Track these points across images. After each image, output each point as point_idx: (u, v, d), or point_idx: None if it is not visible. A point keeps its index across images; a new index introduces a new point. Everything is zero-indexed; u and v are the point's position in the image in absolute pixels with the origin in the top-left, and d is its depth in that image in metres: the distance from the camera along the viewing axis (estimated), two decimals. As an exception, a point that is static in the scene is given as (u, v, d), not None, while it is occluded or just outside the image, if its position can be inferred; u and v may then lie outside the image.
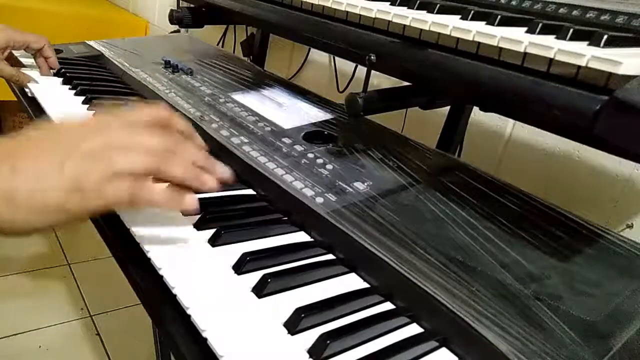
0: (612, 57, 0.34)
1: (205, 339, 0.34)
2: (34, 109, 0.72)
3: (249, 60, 1.20)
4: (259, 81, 0.87)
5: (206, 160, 0.43)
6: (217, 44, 1.54)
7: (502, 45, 0.41)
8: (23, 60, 0.87)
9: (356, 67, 1.11)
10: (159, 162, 0.39)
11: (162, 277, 0.40)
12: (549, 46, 0.37)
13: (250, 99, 0.77)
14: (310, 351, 0.35)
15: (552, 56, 0.37)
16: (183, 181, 0.40)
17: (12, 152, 0.37)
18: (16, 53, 0.85)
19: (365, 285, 0.43)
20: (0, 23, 0.79)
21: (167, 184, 0.40)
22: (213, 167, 0.43)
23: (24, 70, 0.82)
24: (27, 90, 0.77)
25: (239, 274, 0.42)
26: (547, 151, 0.82)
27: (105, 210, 0.38)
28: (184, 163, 0.40)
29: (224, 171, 0.44)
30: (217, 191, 0.45)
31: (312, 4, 0.62)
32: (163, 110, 0.43)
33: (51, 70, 0.84)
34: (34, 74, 0.82)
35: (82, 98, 0.75)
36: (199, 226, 0.47)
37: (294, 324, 0.36)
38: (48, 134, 0.40)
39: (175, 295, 0.38)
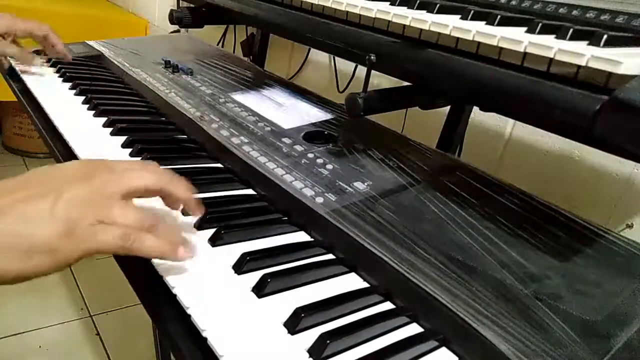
0: (612, 56, 0.34)
1: (205, 339, 0.34)
2: (34, 109, 0.72)
3: (249, 60, 1.20)
4: (259, 81, 0.87)
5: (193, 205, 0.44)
6: (217, 44, 1.54)
7: (502, 45, 0.40)
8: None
9: (356, 67, 1.11)
10: (151, 223, 0.39)
11: (162, 277, 0.40)
12: (548, 46, 0.37)
13: (250, 99, 0.77)
14: (310, 351, 0.35)
15: (552, 56, 0.37)
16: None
17: None
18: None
19: (365, 285, 0.43)
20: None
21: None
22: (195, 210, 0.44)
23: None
24: (23, 77, 0.78)
25: (239, 273, 0.42)
26: (547, 151, 0.82)
27: (91, 255, 0.37)
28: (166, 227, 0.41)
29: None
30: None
31: (312, 4, 0.62)
32: (158, 175, 0.42)
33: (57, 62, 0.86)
34: (38, 71, 0.83)
35: (83, 98, 0.75)
36: (199, 226, 0.47)
37: (294, 323, 0.36)
38: (37, 177, 0.38)
39: (175, 295, 0.38)
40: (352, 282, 0.44)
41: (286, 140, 0.63)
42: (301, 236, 0.49)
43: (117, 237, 0.36)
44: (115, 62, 0.92)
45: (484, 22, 0.45)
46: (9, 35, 0.80)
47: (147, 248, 0.38)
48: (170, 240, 0.40)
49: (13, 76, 0.82)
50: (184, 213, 0.47)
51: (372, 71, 0.54)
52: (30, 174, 0.39)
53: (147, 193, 0.41)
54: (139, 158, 0.58)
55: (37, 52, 0.90)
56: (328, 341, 0.35)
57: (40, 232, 0.34)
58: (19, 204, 0.35)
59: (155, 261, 0.41)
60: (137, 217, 0.38)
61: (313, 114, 0.73)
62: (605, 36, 0.37)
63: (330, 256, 0.47)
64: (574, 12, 0.46)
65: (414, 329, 0.39)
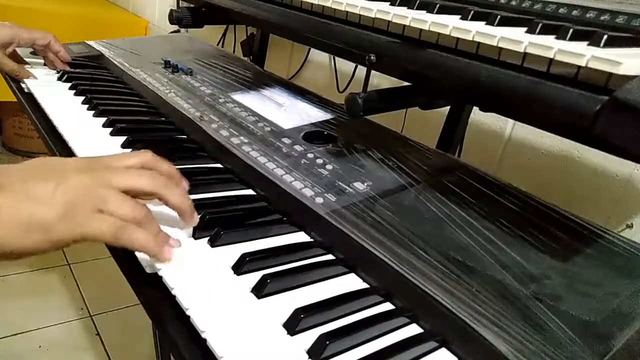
0: (612, 57, 0.34)
1: (205, 340, 0.34)
2: (34, 110, 0.72)
3: (249, 60, 1.20)
4: (259, 81, 0.87)
5: (186, 207, 0.45)
6: (217, 44, 1.54)
7: (502, 45, 0.40)
8: (30, 60, 0.88)
9: (356, 67, 1.11)
10: (143, 216, 0.40)
11: (161, 277, 0.40)
12: (548, 46, 0.37)
13: (250, 99, 0.77)
14: (310, 351, 0.35)
15: (552, 56, 0.37)
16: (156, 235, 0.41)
17: (1, 176, 0.38)
18: (25, 50, 0.86)
19: (365, 285, 0.43)
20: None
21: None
22: (189, 216, 0.45)
23: (27, 68, 0.82)
24: (23, 85, 0.78)
25: (238, 274, 0.41)
26: (547, 151, 0.82)
27: (84, 241, 0.38)
28: (157, 228, 0.42)
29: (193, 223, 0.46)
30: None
31: (312, 4, 0.62)
32: (146, 155, 0.45)
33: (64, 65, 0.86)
34: (38, 71, 0.83)
35: (82, 98, 0.75)
36: (198, 226, 0.47)
37: (294, 324, 0.36)
38: (40, 164, 0.40)
39: (174, 296, 0.38)
40: (351, 282, 0.44)
41: (286, 140, 0.63)
42: (301, 237, 0.49)
43: (110, 226, 0.38)
44: (115, 62, 0.92)
45: (484, 23, 0.45)
46: (11, 45, 0.80)
47: (135, 241, 0.39)
48: (160, 238, 0.41)
49: (13, 77, 0.82)
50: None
51: (372, 71, 0.54)
52: (35, 161, 0.41)
53: (144, 194, 0.42)
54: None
55: (34, 54, 0.90)
56: (327, 342, 0.35)
57: (40, 211, 0.36)
58: (23, 183, 0.37)
59: (157, 264, 0.41)
60: (131, 208, 0.39)
61: (313, 114, 0.73)
62: (605, 36, 0.37)
63: (329, 257, 0.46)
64: (574, 13, 0.46)
65: (413, 329, 0.39)
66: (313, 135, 0.65)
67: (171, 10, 0.99)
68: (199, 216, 0.47)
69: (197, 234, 0.46)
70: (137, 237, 0.39)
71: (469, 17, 0.46)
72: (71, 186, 0.38)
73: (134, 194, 0.41)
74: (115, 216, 0.39)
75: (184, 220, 0.45)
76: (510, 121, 0.86)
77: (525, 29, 0.42)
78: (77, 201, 0.38)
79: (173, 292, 0.38)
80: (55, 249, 0.38)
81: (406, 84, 0.59)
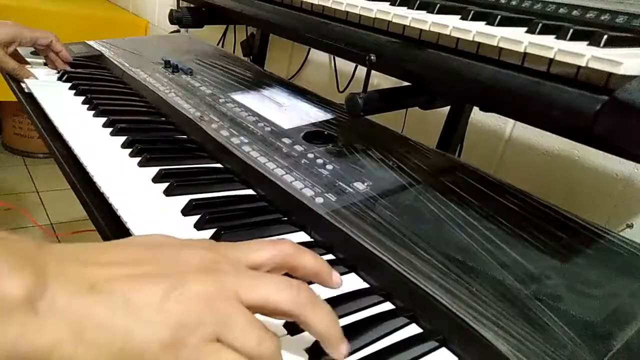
0: (612, 57, 0.34)
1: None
2: (34, 110, 0.72)
3: (249, 60, 1.20)
4: (259, 81, 0.87)
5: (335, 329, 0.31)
6: (217, 44, 1.54)
7: (502, 45, 0.40)
8: (31, 59, 0.88)
9: (356, 67, 1.11)
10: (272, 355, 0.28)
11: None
12: (548, 46, 0.37)
13: (250, 99, 0.77)
14: (310, 351, 0.35)
15: (552, 56, 0.37)
16: None
17: (96, 263, 0.27)
18: (26, 50, 0.86)
19: (365, 285, 0.43)
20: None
21: None
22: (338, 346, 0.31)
23: (28, 67, 0.83)
24: (23, 85, 0.78)
25: (238, 274, 0.41)
26: (547, 151, 0.82)
27: None
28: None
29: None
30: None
31: (312, 4, 0.62)
32: (287, 247, 0.33)
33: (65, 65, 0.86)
34: (38, 71, 0.83)
35: (82, 98, 0.75)
36: (199, 226, 0.47)
37: (293, 323, 0.36)
38: (150, 247, 0.29)
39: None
40: (351, 282, 0.44)
41: (286, 140, 0.63)
42: (301, 236, 0.49)
43: None
44: (115, 62, 0.92)
45: (484, 23, 0.45)
46: (13, 45, 0.80)
47: None
48: None
49: (13, 76, 0.82)
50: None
51: (372, 71, 0.54)
52: (141, 242, 0.30)
53: (275, 312, 0.29)
54: (140, 158, 0.58)
55: (35, 54, 0.90)
56: (328, 341, 0.35)
57: (141, 332, 0.25)
58: (125, 284, 0.26)
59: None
60: (258, 340, 0.27)
61: (313, 114, 0.73)
62: (605, 36, 0.37)
63: (330, 256, 0.47)
64: (574, 13, 0.46)
65: (413, 329, 0.39)
66: (313, 135, 0.65)
67: (171, 10, 0.99)
68: (199, 216, 0.47)
69: (202, 227, 0.46)
70: None
71: (469, 17, 0.46)
72: (192, 296, 0.26)
73: (265, 312, 0.29)
74: (237, 351, 0.26)
75: (327, 349, 0.31)
76: (510, 121, 0.86)
77: (525, 29, 0.42)
78: (192, 322, 0.26)
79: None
80: None
81: (406, 84, 0.59)
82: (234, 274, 0.29)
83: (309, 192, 0.51)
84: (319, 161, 0.58)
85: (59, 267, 0.25)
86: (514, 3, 0.51)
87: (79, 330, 0.24)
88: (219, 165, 0.61)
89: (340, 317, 0.39)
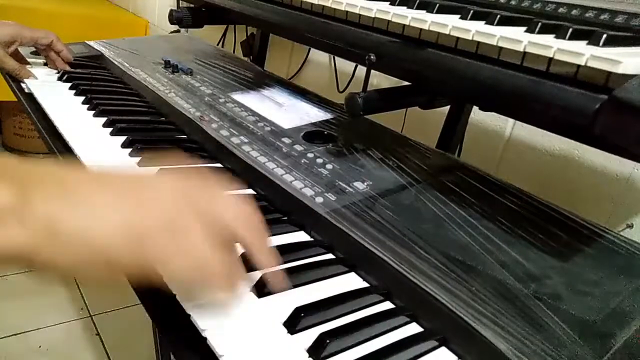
0: (611, 56, 0.34)
1: (205, 339, 0.34)
2: (34, 110, 0.72)
3: (249, 60, 1.20)
4: (259, 81, 0.87)
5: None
6: (217, 44, 1.54)
7: (501, 44, 0.40)
8: (31, 59, 0.88)
9: (356, 67, 1.11)
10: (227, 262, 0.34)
11: (161, 276, 0.40)
12: (548, 45, 0.37)
13: (250, 99, 0.77)
14: (310, 350, 0.35)
15: (551, 55, 0.37)
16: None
17: (77, 183, 0.31)
18: (27, 50, 0.86)
19: (365, 284, 0.43)
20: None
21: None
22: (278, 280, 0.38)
23: (28, 67, 0.83)
24: (23, 85, 0.78)
25: (238, 273, 0.41)
26: (547, 151, 0.82)
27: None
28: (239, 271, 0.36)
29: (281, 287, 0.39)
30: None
31: (312, 4, 0.62)
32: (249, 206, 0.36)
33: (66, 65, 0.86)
34: (38, 71, 0.83)
35: (83, 98, 0.75)
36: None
37: (294, 323, 0.36)
38: (128, 177, 0.34)
39: (174, 295, 0.38)
40: (351, 281, 0.44)
41: (286, 140, 0.63)
42: (301, 236, 0.49)
43: (188, 268, 0.31)
44: (115, 62, 0.92)
45: (484, 22, 0.45)
46: (13, 44, 0.80)
47: (213, 285, 0.34)
48: (232, 280, 0.35)
49: (13, 76, 0.82)
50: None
51: (372, 71, 0.54)
52: (122, 173, 0.35)
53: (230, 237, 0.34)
54: (139, 158, 0.58)
55: (35, 54, 0.90)
56: (328, 341, 0.35)
57: (107, 228, 0.29)
58: (95, 195, 0.30)
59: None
60: (222, 257, 0.33)
61: (313, 114, 0.73)
62: (604, 36, 0.37)
63: (330, 256, 0.47)
64: (573, 12, 0.46)
65: (413, 328, 0.39)
66: (313, 135, 0.65)
67: (171, 10, 0.99)
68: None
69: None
70: (217, 287, 0.34)
71: (469, 16, 0.46)
72: (154, 208, 0.31)
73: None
74: (197, 258, 0.32)
75: (272, 286, 0.38)
76: (510, 121, 0.86)
77: (524, 28, 0.42)
78: (153, 225, 0.31)
79: (173, 291, 0.38)
80: (108, 280, 0.31)
81: (406, 83, 0.59)
82: (206, 192, 0.34)
83: (308, 192, 0.51)
84: (319, 161, 0.58)
85: (39, 181, 0.30)
86: (513, 2, 0.51)
87: (54, 233, 0.28)
88: (219, 165, 0.61)
89: (340, 316, 0.39)
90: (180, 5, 1.04)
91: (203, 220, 0.32)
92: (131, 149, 0.60)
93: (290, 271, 0.42)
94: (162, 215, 0.31)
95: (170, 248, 0.31)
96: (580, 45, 0.37)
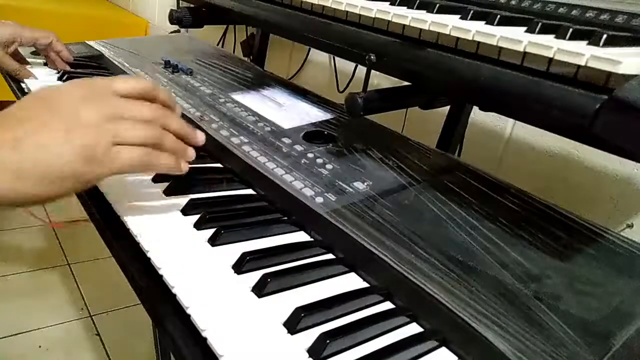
0: (611, 56, 0.34)
1: (205, 339, 0.34)
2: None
3: (249, 60, 1.20)
4: (259, 81, 0.87)
5: (187, 129, 0.47)
6: (217, 44, 1.54)
7: (501, 44, 0.40)
8: (31, 59, 0.88)
9: (356, 67, 1.11)
10: (157, 135, 0.42)
11: (161, 276, 0.40)
12: (548, 45, 0.37)
13: (250, 99, 0.77)
14: (310, 350, 0.35)
15: (551, 55, 0.37)
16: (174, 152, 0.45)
17: (9, 127, 0.37)
18: (27, 50, 0.86)
19: (365, 284, 0.43)
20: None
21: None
22: (194, 135, 0.48)
23: (28, 67, 0.83)
24: (23, 85, 0.78)
25: (238, 273, 0.42)
26: (547, 151, 0.82)
27: (114, 174, 0.40)
28: (173, 139, 0.45)
29: (200, 139, 0.49)
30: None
31: (312, 4, 0.62)
32: (145, 82, 0.45)
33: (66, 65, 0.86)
34: (38, 71, 0.83)
35: (82, 98, 0.75)
36: (199, 226, 0.47)
37: (294, 323, 0.36)
38: (42, 104, 0.40)
39: (175, 295, 0.38)
40: (351, 281, 0.44)
41: (286, 140, 0.63)
42: (301, 236, 0.49)
43: (136, 158, 0.40)
44: (115, 62, 0.92)
45: (484, 22, 0.45)
46: (13, 44, 0.80)
47: (161, 165, 0.43)
48: (179, 152, 0.45)
49: (13, 76, 0.82)
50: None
51: (372, 71, 0.54)
52: (32, 101, 0.40)
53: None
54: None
55: (35, 54, 0.90)
56: (328, 341, 0.35)
57: (59, 161, 0.37)
58: (32, 135, 0.37)
59: (156, 262, 0.41)
60: (144, 129, 0.41)
61: (313, 114, 0.73)
62: (604, 36, 0.37)
63: (330, 256, 0.47)
64: (574, 12, 0.46)
65: (413, 328, 0.39)
66: (313, 135, 0.65)
67: (171, 10, 0.99)
68: (199, 215, 0.47)
69: (201, 227, 0.46)
70: (162, 163, 0.42)
71: (469, 16, 0.46)
72: (83, 127, 0.38)
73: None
74: (134, 144, 0.40)
75: (189, 142, 0.47)
76: (510, 121, 0.87)
77: (524, 28, 0.42)
78: (93, 141, 0.38)
79: (173, 290, 0.38)
80: (86, 188, 0.40)
81: (406, 83, 0.59)
82: (110, 98, 0.41)
83: (308, 192, 0.51)
84: (319, 161, 0.58)
85: None
86: (513, 3, 0.51)
87: (18, 172, 0.36)
88: (219, 165, 0.61)
89: (341, 316, 0.39)
90: (180, 5, 1.04)
91: (123, 106, 0.41)
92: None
93: (290, 271, 0.43)
94: (95, 129, 0.38)
95: (116, 150, 0.39)
96: (580, 46, 0.37)
